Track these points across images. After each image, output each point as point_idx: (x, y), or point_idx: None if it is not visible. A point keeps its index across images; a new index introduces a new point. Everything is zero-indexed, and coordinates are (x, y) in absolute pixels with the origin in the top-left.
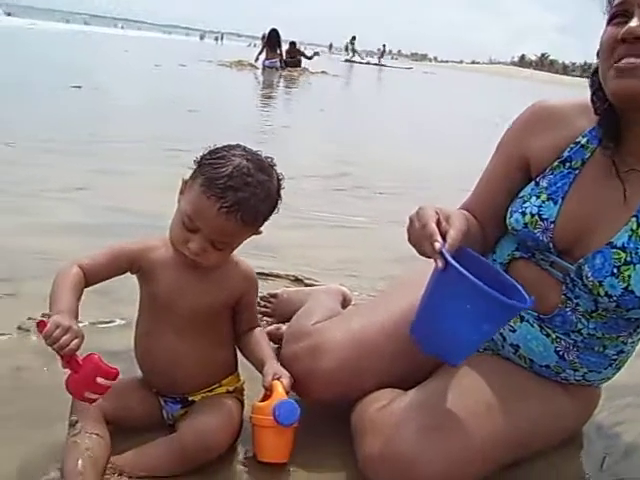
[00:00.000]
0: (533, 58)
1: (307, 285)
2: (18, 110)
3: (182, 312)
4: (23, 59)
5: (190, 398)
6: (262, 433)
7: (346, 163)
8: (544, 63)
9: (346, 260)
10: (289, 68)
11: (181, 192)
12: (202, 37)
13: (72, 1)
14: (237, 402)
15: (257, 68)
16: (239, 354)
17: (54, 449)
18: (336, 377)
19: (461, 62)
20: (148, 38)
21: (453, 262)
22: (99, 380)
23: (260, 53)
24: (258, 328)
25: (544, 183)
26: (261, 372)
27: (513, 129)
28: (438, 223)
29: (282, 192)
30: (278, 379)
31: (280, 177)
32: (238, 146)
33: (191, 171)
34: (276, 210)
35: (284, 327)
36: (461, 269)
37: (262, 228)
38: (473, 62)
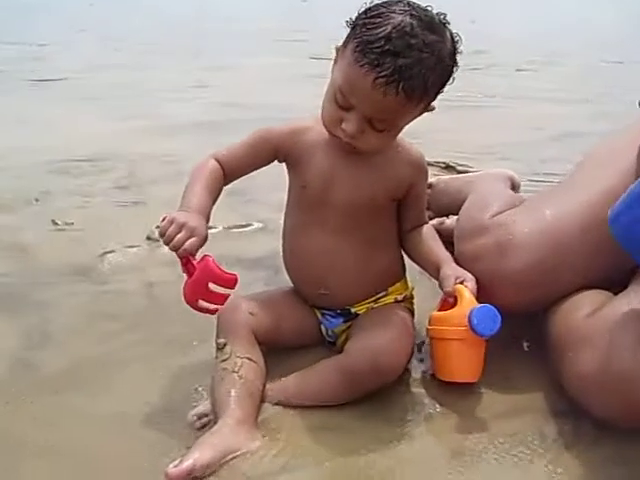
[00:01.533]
0: None
1: (460, 172)
2: (123, 15)
3: (339, 206)
4: None
5: (353, 310)
6: (450, 347)
7: (480, 39)
8: None
9: (496, 143)
10: None
11: (334, 61)
12: None
13: None
14: (409, 313)
15: None
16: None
17: (197, 376)
18: (528, 278)
19: None
20: None
21: None
22: (211, 286)
23: None
24: (426, 225)
25: None
26: (434, 276)
27: None
28: None
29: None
30: (461, 283)
31: (455, 37)
32: (400, 1)
33: (335, 48)
34: (451, 80)
35: (448, 221)
36: None
37: (435, 103)
38: None
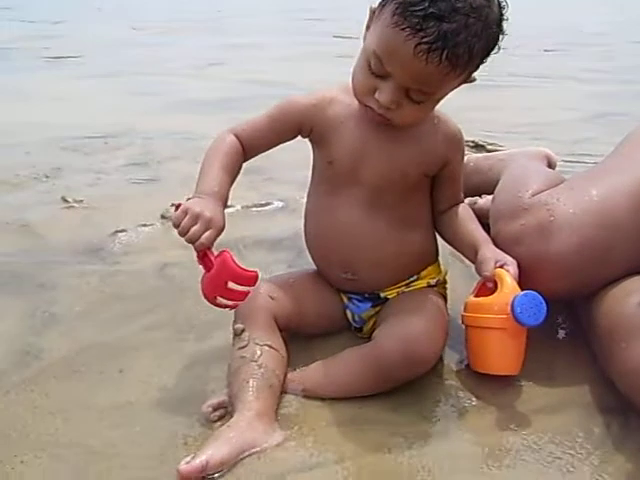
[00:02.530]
0: None
1: (489, 151)
2: None
3: (368, 183)
4: None
5: (382, 294)
6: (488, 337)
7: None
8: None
9: (526, 122)
10: None
11: (367, 26)
12: None
13: None
14: (442, 299)
15: None
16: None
17: (213, 364)
18: (574, 262)
19: None
20: None
21: None
22: (230, 285)
23: None
24: (462, 204)
25: None
26: (471, 259)
27: None
28: None
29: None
30: (501, 267)
31: (502, 2)
32: None
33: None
34: (497, 49)
35: (481, 201)
36: None
37: (477, 74)
38: None
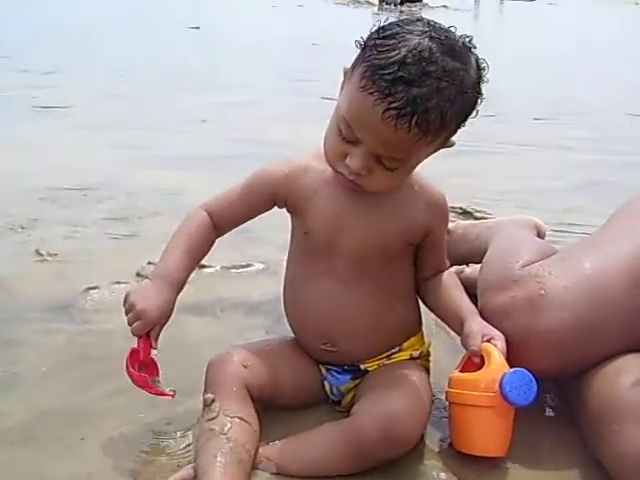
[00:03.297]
0: None
1: (477, 218)
2: (136, 48)
3: (347, 253)
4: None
5: (362, 366)
6: (474, 415)
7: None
8: None
9: (514, 190)
10: (408, 3)
11: (341, 87)
12: None
13: None
14: (425, 373)
15: (374, 5)
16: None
17: (181, 433)
18: (564, 339)
19: None
20: None
21: None
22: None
23: None
24: (447, 271)
25: None
26: (456, 331)
27: None
28: None
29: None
30: (489, 341)
31: (482, 64)
32: (419, 20)
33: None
34: (474, 112)
35: (468, 270)
36: None
37: (461, 139)
38: None
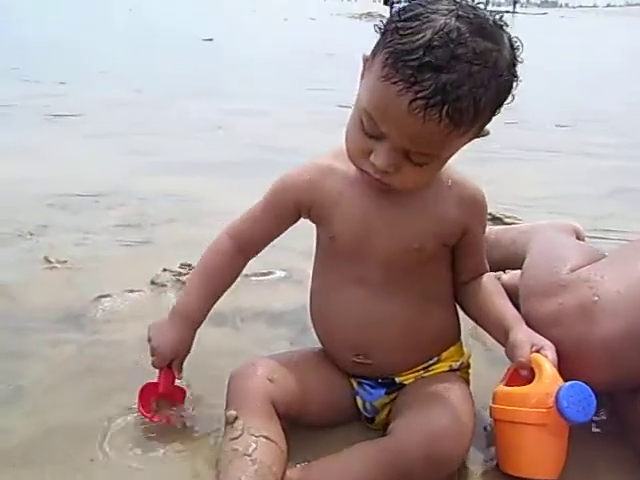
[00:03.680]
0: None
1: (507, 224)
2: (149, 60)
3: (377, 258)
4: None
5: (398, 380)
6: (524, 434)
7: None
8: None
9: (543, 196)
10: None
11: (361, 76)
12: None
13: None
14: (467, 387)
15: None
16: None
17: (201, 454)
18: (619, 348)
19: (595, 6)
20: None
21: None
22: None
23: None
24: (487, 274)
25: None
26: (499, 340)
27: None
28: None
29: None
30: (538, 351)
31: (515, 43)
32: None
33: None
34: (510, 97)
35: (505, 276)
36: None
37: (490, 126)
38: (608, 5)
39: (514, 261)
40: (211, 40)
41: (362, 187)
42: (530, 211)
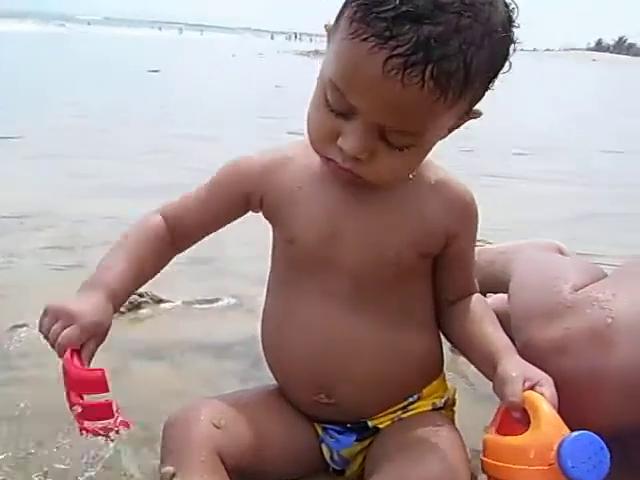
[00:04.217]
0: (611, 42)
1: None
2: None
3: (343, 267)
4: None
5: (371, 423)
6: None
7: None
8: (622, 47)
9: (513, 220)
10: None
11: (326, 50)
12: (272, 37)
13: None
14: (455, 429)
15: None
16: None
17: None
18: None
19: (534, 50)
20: (222, 39)
21: None
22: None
23: None
24: (476, 295)
25: None
26: (487, 374)
27: None
28: None
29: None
30: (532, 388)
31: (509, 3)
32: None
33: None
34: (507, 61)
35: (489, 300)
36: None
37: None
38: (547, 49)
39: (494, 284)
40: (157, 72)
41: (327, 180)
42: (500, 235)
